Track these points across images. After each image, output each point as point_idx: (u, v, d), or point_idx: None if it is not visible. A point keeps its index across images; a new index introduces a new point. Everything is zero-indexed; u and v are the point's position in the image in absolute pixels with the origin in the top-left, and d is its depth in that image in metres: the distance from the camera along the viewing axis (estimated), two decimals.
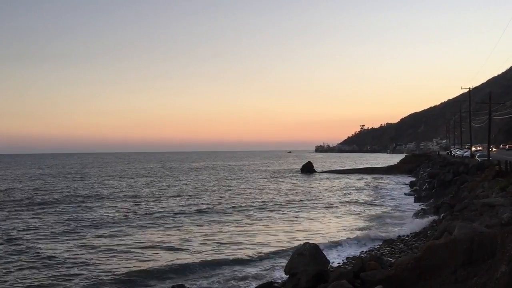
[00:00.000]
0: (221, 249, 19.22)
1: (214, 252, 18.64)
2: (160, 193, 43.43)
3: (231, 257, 17.54)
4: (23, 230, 23.69)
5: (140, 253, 18.45)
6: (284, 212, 30.17)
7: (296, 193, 44.04)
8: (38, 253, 18.36)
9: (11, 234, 22.46)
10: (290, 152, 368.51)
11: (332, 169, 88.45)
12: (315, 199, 38.59)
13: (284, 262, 15.40)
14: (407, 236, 20.65)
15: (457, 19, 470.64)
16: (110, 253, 18.44)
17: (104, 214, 29.58)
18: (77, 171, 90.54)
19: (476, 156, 49.62)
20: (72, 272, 15.62)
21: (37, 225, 25.34)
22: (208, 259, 17.45)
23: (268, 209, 31.60)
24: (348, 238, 21.64)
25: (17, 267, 16.27)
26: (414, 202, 34.89)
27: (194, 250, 19.08)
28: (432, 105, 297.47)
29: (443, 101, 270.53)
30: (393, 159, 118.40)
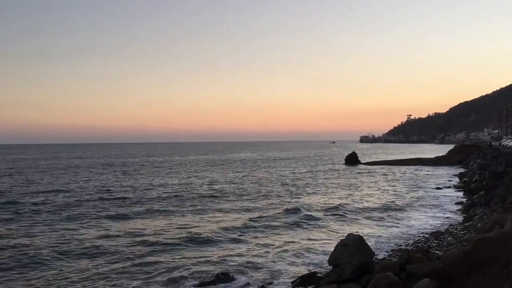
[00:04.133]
0: (266, 245, 19.34)
1: (260, 247, 18.78)
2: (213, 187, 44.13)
3: (276, 252, 17.61)
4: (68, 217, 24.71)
5: (195, 245, 18.86)
6: (329, 205, 29.94)
7: (340, 184, 43.67)
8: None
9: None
10: (334, 142, 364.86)
11: (377, 160, 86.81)
12: (360, 190, 38.15)
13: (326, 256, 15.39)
14: (456, 228, 20.08)
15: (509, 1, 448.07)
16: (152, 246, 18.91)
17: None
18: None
19: None
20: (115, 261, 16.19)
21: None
22: (252, 250, 17.69)
23: (313, 204, 31.48)
24: (393, 230, 21.33)
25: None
26: (464, 194, 33.80)
27: (242, 241, 19.32)
28: (484, 94, 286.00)
29: (495, 90, 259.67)
30: (442, 150, 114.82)
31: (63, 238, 19.18)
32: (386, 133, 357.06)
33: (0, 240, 18.93)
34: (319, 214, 25.33)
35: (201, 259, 16.03)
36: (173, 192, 36.28)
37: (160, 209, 27.45)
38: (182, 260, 15.97)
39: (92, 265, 15.19)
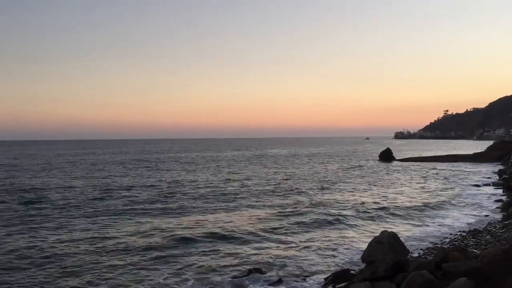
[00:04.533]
0: (298, 242, 19.32)
1: (292, 244, 18.77)
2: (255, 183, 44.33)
3: (308, 249, 17.55)
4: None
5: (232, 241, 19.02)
6: (361, 202, 29.57)
7: (373, 181, 43.06)
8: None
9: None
10: (368, 138, 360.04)
11: (413, 156, 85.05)
12: (394, 187, 37.52)
13: (358, 253, 15.24)
14: (495, 227, 19.47)
15: None
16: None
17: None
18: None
19: None
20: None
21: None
22: (284, 246, 17.71)
23: (345, 201, 31.18)
24: (428, 228, 20.88)
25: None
26: (503, 191, 32.73)
27: (273, 238, 19.34)
28: None
29: None
30: (480, 146, 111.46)
31: (97, 234, 19.60)
32: (422, 129, 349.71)
33: (37, 232, 19.63)
34: (351, 211, 25.04)
35: (233, 255, 16.10)
36: (205, 188, 36.62)
37: (193, 205, 27.75)
38: (214, 256, 16.07)
39: (124, 260, 15.42)
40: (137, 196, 31.60)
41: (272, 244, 17.78)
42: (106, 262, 15.12)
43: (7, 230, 20.11)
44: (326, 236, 19.15)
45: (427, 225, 21.58)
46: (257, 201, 29.14)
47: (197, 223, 21.85)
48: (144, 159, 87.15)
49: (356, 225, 21.68)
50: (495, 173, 47.80)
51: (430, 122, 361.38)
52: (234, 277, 13.62)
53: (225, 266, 14.80)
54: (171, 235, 18.99)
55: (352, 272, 12.81)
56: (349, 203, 28.10)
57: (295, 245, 17.60)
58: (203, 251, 16.60)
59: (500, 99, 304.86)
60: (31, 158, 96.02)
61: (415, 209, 25.99)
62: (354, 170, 56.03)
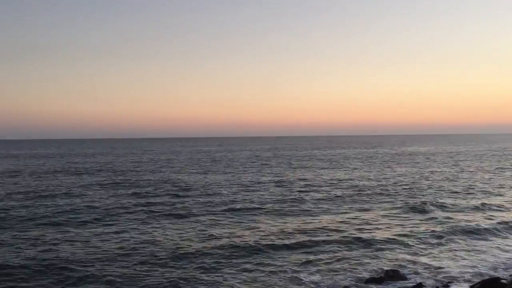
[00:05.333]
0: (443, 248, 18.30)
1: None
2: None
3: (451, 254, 16.63)
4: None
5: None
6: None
7: None
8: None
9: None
10: None
11: None
12: None
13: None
14: None
15: None
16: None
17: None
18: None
19: None
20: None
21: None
22: (424, 251, 16.89)
23: (495, 205, 28.54)
24: None
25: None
26: None
27: (412, 243, 18.58)
28: None
29: None
30: None
31: (234, 230, 20.69)
32: None
33: (173, 225, 21.38)
34: (495, 219, 22.51)
35: (366, 257, 15.80)
36: (338, 187, 36.20)
37: (324, 204, 27.37)
38: (346, 256, 15.86)
39: (255, 257, 15.70)
40: (271, 193, 32.51)
41: (406, 248, 17.07)
42: (236, 258, 15.64)
43: (151, 224, 22.19)
44: (465, 243, 17.85)
45: None
46: (391, 202, 27.95)
47: (328, 222, 21.77)
48: (278, 156, 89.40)
49: (500, 233, 19.66)
50: None
51: None
52: (370, 279, 13.34)
53: (358, 267, 14.62)
54: (301, 234, 19.12)
55: (504, 281, 11.72)
56: (493, 209, 25.47)
57: (431, 250, 16.76)
58: (335, 251, 16.51)
59: None
60: (175, 154, 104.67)
61: None
62: (504, 171, 50.61)
